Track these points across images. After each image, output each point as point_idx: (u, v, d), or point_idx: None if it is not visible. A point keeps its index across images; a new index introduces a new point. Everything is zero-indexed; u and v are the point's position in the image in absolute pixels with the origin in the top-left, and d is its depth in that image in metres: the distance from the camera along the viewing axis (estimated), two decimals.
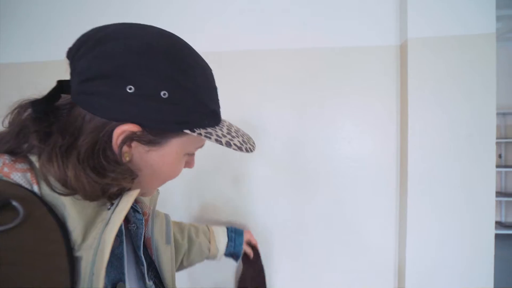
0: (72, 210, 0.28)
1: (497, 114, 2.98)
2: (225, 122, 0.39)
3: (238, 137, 0.37)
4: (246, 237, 0.76)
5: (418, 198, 0.79)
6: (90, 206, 0.30)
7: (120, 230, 0.36)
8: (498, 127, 3.60)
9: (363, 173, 0.86)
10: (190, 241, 0.68)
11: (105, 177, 0.30)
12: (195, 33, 0.84)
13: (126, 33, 0.30)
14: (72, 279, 0.25)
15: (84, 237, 0.28)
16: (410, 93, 0.80)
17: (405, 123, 0.81)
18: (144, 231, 0.41)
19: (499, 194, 3.52)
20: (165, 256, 0.44)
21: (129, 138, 0.31)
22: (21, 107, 0.31)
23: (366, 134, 0.86)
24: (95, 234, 0.28)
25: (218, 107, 0.37)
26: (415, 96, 0.79)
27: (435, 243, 0.79)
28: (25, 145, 0.30)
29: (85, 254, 0.27)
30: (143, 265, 0.39)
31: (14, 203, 0.25)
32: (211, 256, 0.71)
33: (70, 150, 0.29)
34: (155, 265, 0.43)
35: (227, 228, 0.76)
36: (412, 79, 0.79)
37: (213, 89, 0.36)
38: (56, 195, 0.28)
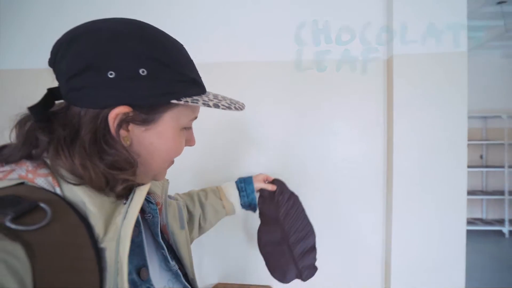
0: (92, 207, 0.30)
1: (479, 118, 3.20)
2: (211, 92, 0.40)
3: (225, 100, 0.39)
4: (257, 181, 0.75)
5: (402, 195, 0.91)
6: (107, 202, 0.32)
7: (137, 221, 0.37)
8: (479, 130, 3.80)
9: (354, 173, 0.97)
10: (201, 204, 0.70)
11: (109, 166, 0.32)
12: (199, 43, 0.96)
13: (93, 27, 0.33)
14: (99, 267, 0.28)
15: (106, 231, 0.30)
16: (396, 102, 0.92)
17: (390, 128, 0.94)
18: (159, 219, 0.43)
19: (480, 192, 3.70)
20: (181, 240, 0.47)
21: (124, 121, 0.33)
22: (21, 120, 0.33)
23: (357, 138, 0.98)
24: (115, 228, 0.30)
25: (199, 77, 0.39)
26: (399, 104, 0.92)
27: (417, 236, 0.91)
28: (37, 150, 0.32)
29: (108, 246, 0.29)
30: (163, 249, 0.42)
31: (42, 204, 0.27)
32: (229, 212, 0.73)
33: (74, 141, 0.31)
34: (173, 248, 0.46)
35: (236, 180, 0.76)
36: (397, 89, 0.92)
37: (189, 62, 0.38)
38: (75, 194, 0.30)
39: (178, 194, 0.71)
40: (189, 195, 0.72)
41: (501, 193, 3.55)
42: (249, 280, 0.97)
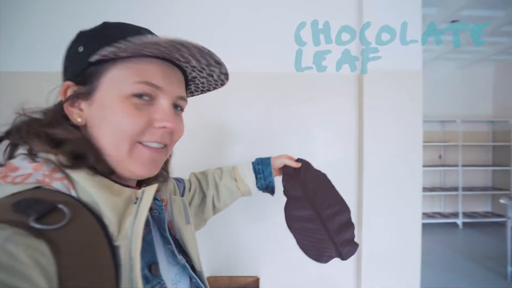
0: (106, 208, 0.31)
1: (437, 122, 3.58)
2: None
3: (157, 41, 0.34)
4: (280, 158, 0.72)
5: (371, 192, 1.05)
6: (119, 202, 0.33)
7: (147, 220, 0.38)
8: (438, 133, 4.22)
9: (330, 173, 1.10)
10: (215, 185, 0.69)
11: (61, 142, 0.33)
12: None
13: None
14: (115, 262, 0.29)
15: (119, 230, 0.31)
16: (365, 112, 1.06)
17: (361, 134, 1.08)
18: (165, 215, 0.44)
19: (439, 189, 4.10)
20: (187, 234, 0.47)
21: (72, 96, 0.35)
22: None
23: (333, 143, 1.11)
24: (128, 227, 0.32)
25: (133, 32, 0.37)
26: (368, 114, 1.06)
27: (382, 227, 1.05)
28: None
29: (122, 243, 0.30)
30: (170, 244, 0.42)
31: (60, 206, 0.28)
32: (244, 194, 0.71)
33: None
34: (180, 243, 0.47)
35: (254, 161, 0.73)
36: (366, 101, 1.06)
37: (136, 31, 0.37)
38: (89, 195, 0.32)
39: (193, 173, 0.72)
40: (204, 174, 0.71)
41: (456, 189, 3.97)
42: (238, 272, 1.04)
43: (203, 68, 0.41)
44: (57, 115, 0.36)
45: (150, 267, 0.36)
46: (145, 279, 0.34)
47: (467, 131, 4.09)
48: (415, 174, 1.08)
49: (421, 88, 1.11)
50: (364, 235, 1.05)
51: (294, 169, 0.70)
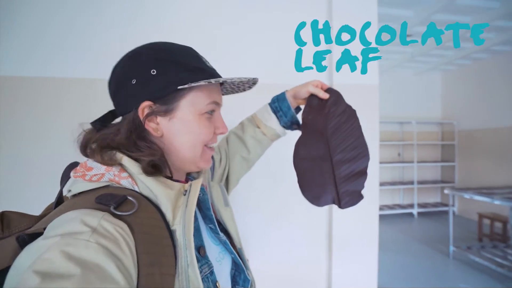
0: (162, 199, 0.37)
1: (397, 123, 4.03)
2: (225, 78, 0.44)
3: (232, 81, 0.45)
4: (300, 92, 0.63)
5: None
6: (172, 194, 0.38)
7: (194, 209, 0.42)
8: (397, 133, 4.70)
9: None
10: (240, 140, 0.68)
11: (143, 153, 0.39)
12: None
13: (124, 55, 0.43)
14: (173, 243, 0.35)
15: (174, 217, 0.37)
16: None
17: None
18: (208, 196, 0.48)
19: (399, 183, 4.57)
20: (227, 215, 0.52)
21: (150, 114, 0.40)
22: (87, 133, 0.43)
23: None
24: (180, 215, 0.37)
25: (206, 66, 0.44)
26: None
27: (348, 218, 1.24)
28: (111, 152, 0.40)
29: (177, 228, 0.36)
30: (213, 223, 0.46)
31: (130, 198, 0.35)
32: (273, 138, 0.68)
33: (128, 140, 0.41)
34: (220, 223, 0.51)
35: (269, 102, 0.68)
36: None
37: (193, 56, 0.44)
38: (148, 190, 0.38)
39: (218, 147, 0.70)
40: (225, 138, 0.71)
41: (412, 183, 4.47)
42: None
43: (238, 83, 0.50)
44: (137, 131, 0.41)
45: (199, 249, 0.41)
46: (196, 259, 0.38)
47: (421, 131, 4.61)
48: (372, 172, 1.30)
49: (377, 99, 1.34)
50: (334, 223, 1.25)
51: (320, 100, 0.61)
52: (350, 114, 0.59)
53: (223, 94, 0.53)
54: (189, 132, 0.43)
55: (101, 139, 0.40)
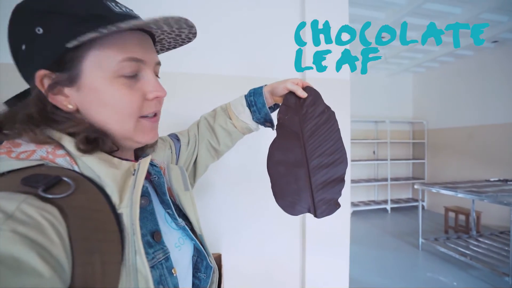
0: (106, 179, 0.33)
1: (372, 122, 4.20)
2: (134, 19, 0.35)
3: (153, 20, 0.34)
4: (277, 89, 0.59)
5: None
6: (119, 175, 0.34)
7: (147, 192, 0.40)
8: (372, 131, 4.88)
9: None
10: (210, 128, 0.64)
11: (62, 128, 0.34)
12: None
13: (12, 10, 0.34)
14: (119, 228, 0.32)
15: (120, 199, 0.33)
16: None
17: None
18: (165, 180, 0.44)
19: (373, 180, 4.76)
20: (186, 200, 0.47)
21: (53, 85, 0.33)
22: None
23: None
24: (128, 196, 0.33)
25: (110, 11, 0.34)
26: None
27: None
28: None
29: (124, 211, 0.32)
30: (170, 209, 0.43)
31: (65, 178, 0.30)
32: (245, 131, 0.64)
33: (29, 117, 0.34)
34: (180, 209, 0.47)
35: (246, 94, 0.64)
36: None
37: (97, 2, 0.34)
38: (90, 170, 0.33)
39: (194, 125, 0.67)
40: (196, 123, 0.67)
41: (386, 179, 4.67)
42: None
43: (173, 31, 0.41)
44: (46, 107, 0.34)
45: (153, 234, 0.38)
46: (148, 245, 0.36)
47: (394, 130, 4.83)
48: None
49: (349, 94, 1.37)
50: (307, 218, 1.27)
51: (298, 99, 0.57)
52: (329, 116, 0.56)
53: (164, 50, 0.46)
54: (105, 104, 0.35)
55: (8, 116, 0.34)
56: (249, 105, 0.62)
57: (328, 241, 1.30)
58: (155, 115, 0.41)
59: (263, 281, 1.26)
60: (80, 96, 0.35)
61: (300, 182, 0.54)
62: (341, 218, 1.31)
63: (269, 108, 0.62)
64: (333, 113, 0.57)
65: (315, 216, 0.55)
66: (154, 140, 0.41)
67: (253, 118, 0.63)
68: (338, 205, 0.55)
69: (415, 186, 2.97)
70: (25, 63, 0.34)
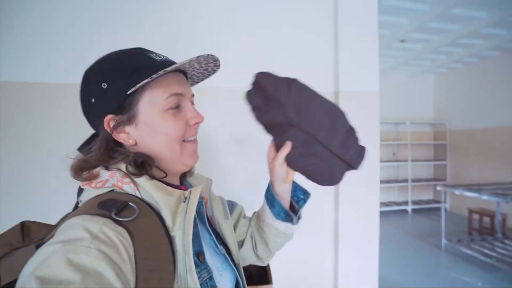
0: (163, 205, 0.38)
1: (392, 123, 4.24)
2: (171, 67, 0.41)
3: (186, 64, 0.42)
4: (273, 174, 0.57)
5: (344, 184, 1.32)
6: (172, 201, 0.39)
7: (194, 217, 0.42)
8: (392, 133, 4.87)
9: None
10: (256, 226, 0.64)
11: (116, 159, 0.40)
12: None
13: (83, 75, 0.43)
14: (172, 249, 0.35)
15: (173, 223, 0.37)
16: None
17: None
18: (205, 210, 0.49)
19: (394, 181, 4.74)
20: (226, 228, 0.51)
21: (116, 126, 0.41)
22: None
23: None
24: (180, 220, 0.37)
25: (154, 62, 0.42)
26: None
27: (354, 213, 1.36)
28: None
29: (177, 234, 0.36)
30: (211, 235, 0.47)
31: (131, 204, 0.36)
32: (275, 233, 0.60)
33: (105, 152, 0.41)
34: (220, 237, 0.51)
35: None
36: None
37: (142, 55, 0.43)
38: (150, 196, 0.39)
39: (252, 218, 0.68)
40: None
41: (406, 181, 4.66)
42: None
43: (201, 66, 0.48)
44: (109, 145, 0.41)
45: (198, 254, 0.41)
46: (195, 264, 0.38)
47: (415, 132, 4.81)
48: (373, 171, 1.41)
49: (378, 103, 1.47)
50: (340, 219, 1.36)
51: (260, 96, 0.54)
52: (298, 88, 0.52)
53: (194, 83, 0.53)
54: (158, 133, 0.42)
55: (83, 162, 0.41)
56: (266, 203, 0.60)
57: (358, 240, 1.37)
58: (195, 140, 0.47)
59: (297, 280, 1.35)
60: (137, 131, 0.42)
61: (325, 156, 0.54)
62: (371, 217, 1.39)
63: (296, 200, 0.61)
64: (295, 80, 0.53)
65: (355, 168, 0.56)
66: (196, 162, 0.47)
67: (274, 217, 0.58)
68: (364, 149, 0.56)
69: (438, 188, 3.00)
70: (95, 112, 0.42)
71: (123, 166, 0.40)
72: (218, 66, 0.49)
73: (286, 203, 0.59)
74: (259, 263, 0.65)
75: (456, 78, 4.57)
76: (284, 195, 0.59)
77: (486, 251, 2.67)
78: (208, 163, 1.27)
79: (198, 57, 0.42)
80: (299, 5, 1.39)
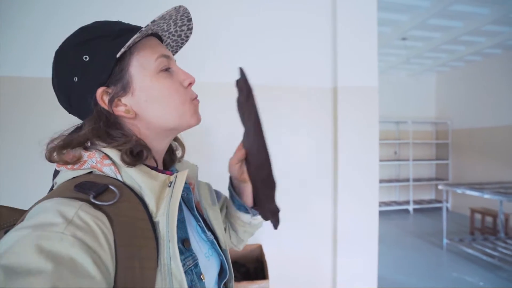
0: (146, 190, 0.36)
1: (393, 122, 4.20)
2: (153, 24, 0.39)
3: (164, 19, 0.40)
4: (232, 170, 0.56)
5: (343, 183, 1.35)
6: (157, 186, 0.37)
7: (179, 203, 0.41)
8: (393, 132, 4.85)
9: (310, 168, 1.39)
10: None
11: (118, 141, 0.38)
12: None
13: (52, 64, 0.39)
14: (155, 235, 0.34)
15: (157, 208, 0.36)
16: (340, 121, 1.38)
17: (335, 139, 1.38)
18: (193, 196, 0.48)
19: (395, 180, 4.72)
20: (213, 214, 0.51)
21: (112, 99, 0.38)
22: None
23: (311, 148, 1.38)
24: (164, 206, 0.36)
25: (131, 25, 0.40)
26: (342, 121, 1.37)
27: (353, 212, 1.35)
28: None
29: (160, 220, 0.35)
30: (199, 221, 0.46)
31: (112, 187, 0.33)
32: (242, 225, 0.60)
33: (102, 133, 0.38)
34: (207, 222, 0.50)
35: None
36: (340, 112, 1.38)
37: (114, 22, 0.40)
38: (132, 179, 0.37)
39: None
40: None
41: (408, 180, 4.63)
42: None
43: (176, 31, 0.46)
44: (108, 121, 0.38)
45: (183, 241, 0.40)
46: (179, 251, 0.36)
47: (416, 131, 4.77)
48: (372, 169, 1.40)
49: (377, 99, 1.46)
50: (339, 218, 1.36)
51: (242, 95, 0.51)
52: (250, 105, 0.48)
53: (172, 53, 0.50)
54: (157, 98, 0.39)
55: (65, 140, 0.38)
56: (230, 197, 0.60)
57: (357, 239, 1.37)
58: (196, 99, 0.45)
59: (296, 279, 1.35)
60: (135, 101, 0.39)
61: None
62: (370, 217, 1.38)
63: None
64: (251, 96, 0.48)
65: (274, 227, 0.54)
66: (200, 122, 0.44)
67: (236, 208, 0.58)
68: (277, 212, 0.54)
69: (439, 187, 2.97)
70: (81, 92, 0.38)
71: (114, 153, 0.37)
72: (190, 30, 0.47)
73: (246, 198, 0.57)
74: (235, 248, 0.65)
75: (458, 76, 4.53)
76: (244, 190, 0.57)
77: (488, 250, 2.64)
78: (206, 157, 1.26)
79: (175, 7, 0.39)
80: (299, 1, 1.39)
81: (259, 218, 0.59)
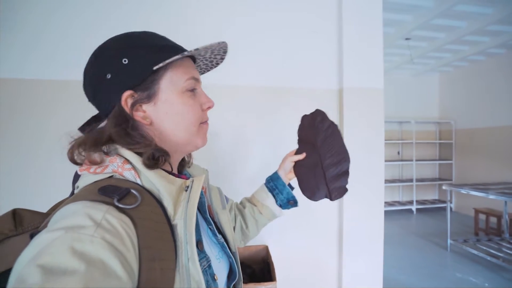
0: (165, 194, 0.37)
1: (396, 122, 4.20)
2: (196, 49, 0.42)
3: (206, 49, 0.44)
4: (285, 166, 0.73)
5: (349, 184, 1.31)
6: (174, 189, 0.38)
7: (196, 205, 0.42)
8: (397, 132, 4.84)
9: None
10: (240, 212, 0.72)
11: (139, 144, 0.39)
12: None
13: (90, 56, 0.42)
14: (173, 237, 0.35)
15: (175, 212, 0.37)
16: (345, 122, 1.38)
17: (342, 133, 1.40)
18: (206, 200, 0.49)
19: (398, 180, 4.71)
20: (224, 218, 0.52)
21: (134, 103, 0.40)
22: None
23: None
24: (182, 209, 0.37)
25: (174, 44, 0.44)
26: (348, 123, 1.37)
27: (358, 212, 1.35)
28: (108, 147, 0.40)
29: (178, 223, 0.36)
30: (211, 225, 0.48)
31: (133, 191, 0.35)
32: (269, 216, 0.71)
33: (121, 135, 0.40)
34: (218, 225, 0.52)
35: (265, 182, 0.74)
36: (346, 113, 1.38)
37: (158, 37, 0.43)
38: (151, 183, 0.38)
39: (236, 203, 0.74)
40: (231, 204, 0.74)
41: (411, 180, 4.62)
42: (250, 242, 1.26)
43: (210, 57, 0.49)
44: (127, 124, 0.40)
45: (197, 243, 0.40)
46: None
47: (419, 131, 4.76)
48: (378, 170, 1.41)
49: (382, 101, 1.46)
50: (344, 219, 1.36)
51: (311, 119, 0.75)
52: (334, 129, 0.73)
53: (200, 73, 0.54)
54: (176, 113, 0.42)
55: (89, 139, 0.39)
56: (271, 190, 0.72)
57: (362, 240, 1.37)
58: (207, 122, 0.49)
59: (301, 279, 1.36)
60: (155, 111, 0.41)
61: (317, 177, 0.72)
62: (375, 217, 1.39)
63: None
64: (337, 126, 0.74)
65: (331, 199, 0.72)
66: (205, 144, 0.48)
67: (276, 202, 0.72)
68: (346, 190, 0.72)
69: (443, 187, 2.96)
70: (109, 88, 0.40)
71: (134, 157, 0.39)
72: (223, 59, 0.51)
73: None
74: (240, 245, 0.72)
75: (462, 76, 4.51)
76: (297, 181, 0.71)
77: (493, 251, 2.63)
78: (212, 159, 1.27)
79: (219, 43, 0.44)
80: (304, 3, 1.39)
81: (283, 212, 0.74)
